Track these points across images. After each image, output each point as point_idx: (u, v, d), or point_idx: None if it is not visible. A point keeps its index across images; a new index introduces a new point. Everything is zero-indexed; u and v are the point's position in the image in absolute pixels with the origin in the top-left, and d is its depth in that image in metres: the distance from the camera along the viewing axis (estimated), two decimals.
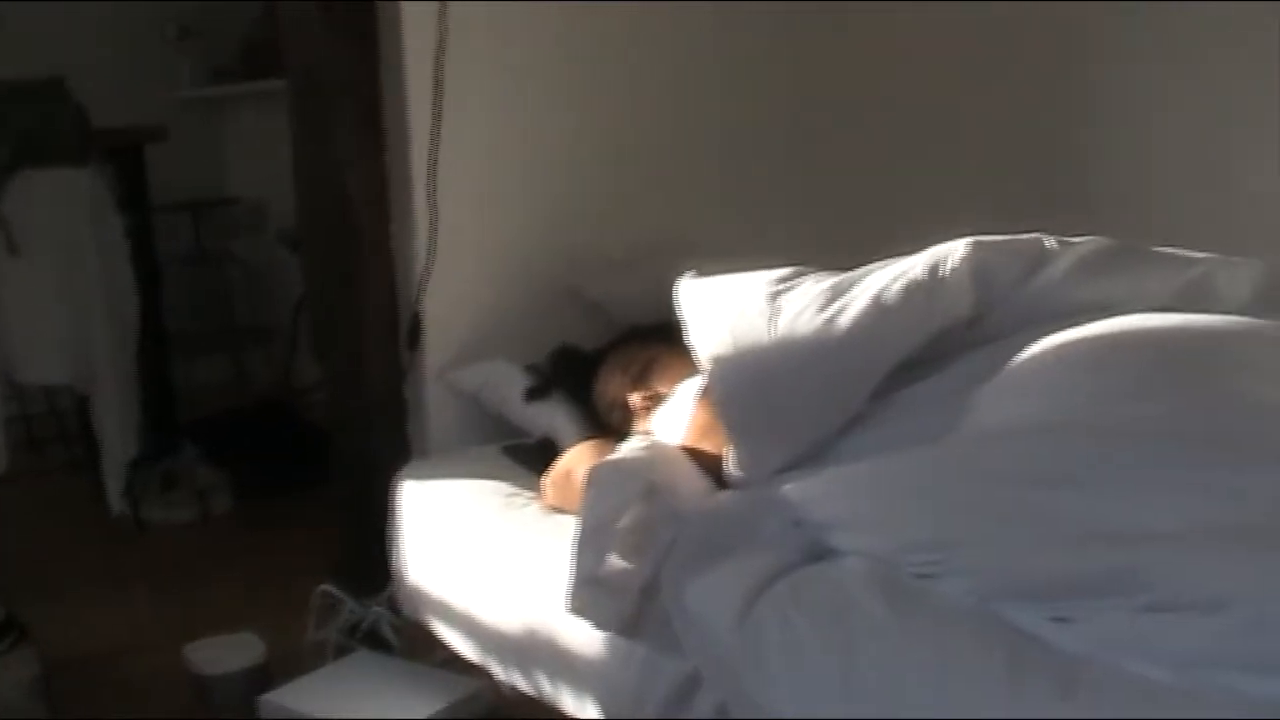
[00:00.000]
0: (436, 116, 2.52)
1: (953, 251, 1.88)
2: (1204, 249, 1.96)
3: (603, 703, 1.83)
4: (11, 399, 4.09)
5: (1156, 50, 2.76)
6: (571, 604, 1.76)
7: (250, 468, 3.89)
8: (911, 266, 1.87)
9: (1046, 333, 1.78)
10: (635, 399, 2.22)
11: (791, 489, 1.72)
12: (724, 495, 1.87)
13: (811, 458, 1.81)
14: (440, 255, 2.56)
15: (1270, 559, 1.32)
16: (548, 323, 2.66)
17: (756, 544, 1.68)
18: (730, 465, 1.87)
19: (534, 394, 2.46)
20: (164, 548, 3.57)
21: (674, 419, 2.05)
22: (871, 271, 1.90)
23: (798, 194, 3.11)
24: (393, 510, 2.43)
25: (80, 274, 3.63)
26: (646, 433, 2.15)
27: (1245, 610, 1.28)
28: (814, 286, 1.89)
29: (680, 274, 2.05)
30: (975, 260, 1.86)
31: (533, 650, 1.98)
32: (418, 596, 2.33)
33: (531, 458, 2.36)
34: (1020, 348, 1.77)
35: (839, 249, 2.08)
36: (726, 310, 1.90)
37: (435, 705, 2.12)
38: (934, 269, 1.85)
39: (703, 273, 2.04)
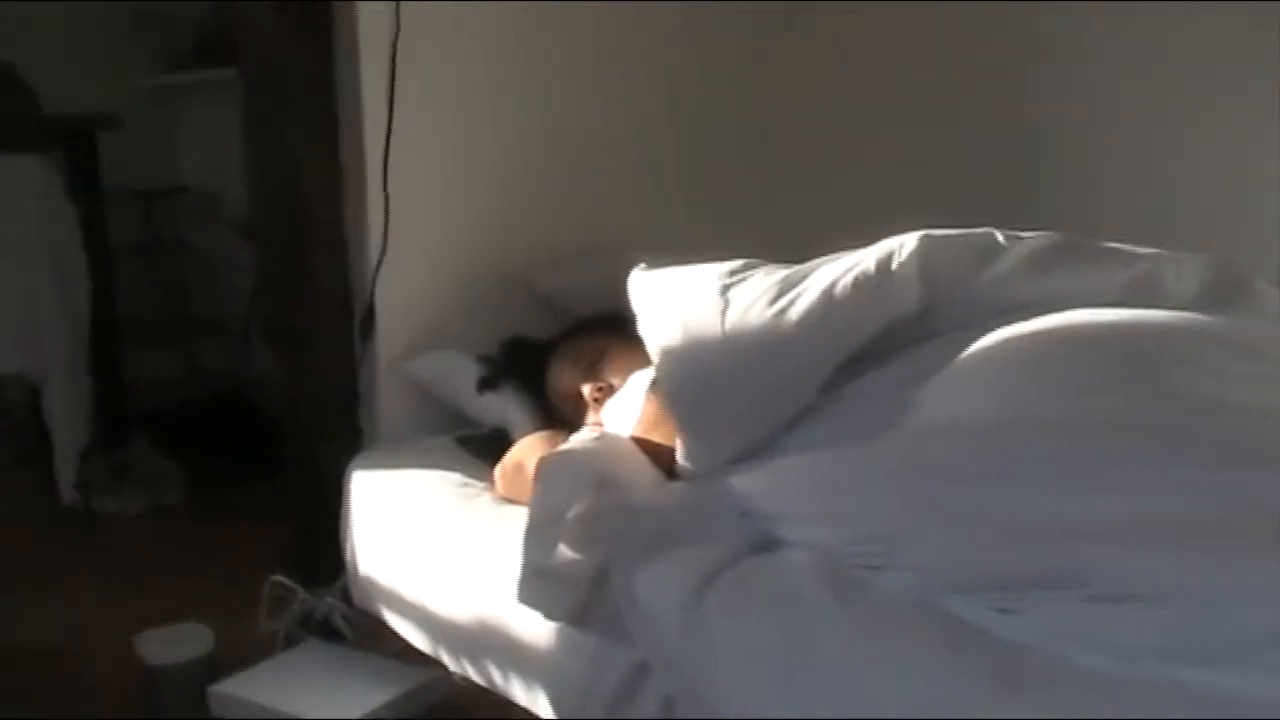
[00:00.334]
0: (390, 110, 2.52)
1: (903, 245, 1.89)
2: (1150, 245, 1.98)
3: (552, 693, 1.83)
4: None
5: (1100, 49, 2.78)
6: (521, 595, 1.76)
7: (203, 459, 3.85)
8: (861, 260, 1.88)
9: (994, 328, 1.80)
10: (587, 390, 2.23)
11: (739, 480, 1.74)
12: (673, 486, 1.88)
13: (761, 449, 1.82)
14: (393, 247, 2.57)
15: (1211, 552, 1.34)
16: (500, 315, 2.67)
17: (705, 535, 1.69)
18: (680, 457, 1.88)
19: (485, 384, 2.46)
20: (115, 539, 3.54)
21: (625, 410, 2.06)
22: (821, 265, 1.91)
23: (750, 191, 3.13)
24: (344, 500, 2.43)
25: (31, 262, 3.59)
26: (598, 424, 2.16)
27: (1186, 602, 1.30)
28: (764, 279, 1.90)
29: (631, 266, 2.06)
30: (924, 254, 1.88)
31: (483, 640, 1.98)
32: (369, 587, 2.33)
33: (483, 448, 2.36)
34: (968, 343, 1.78)
35: (791, 246, 2.09)
36: (677, 302, 1.91)
37: (386, 695, 2.11)
38: (884, 262, 1.87)
39: (654, 265, 2.05)
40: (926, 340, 1.86)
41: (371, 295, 2.57)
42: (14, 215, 3.56)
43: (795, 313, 1.82)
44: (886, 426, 1.74)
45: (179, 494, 3.79)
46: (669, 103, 3.01)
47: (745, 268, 1.95)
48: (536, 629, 1.82)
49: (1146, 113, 2.72)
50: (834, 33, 3.07)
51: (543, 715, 1.87)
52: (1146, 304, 1.88)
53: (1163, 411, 1.59)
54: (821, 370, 1.84)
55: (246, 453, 3.78)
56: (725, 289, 1.89)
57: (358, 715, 2.06)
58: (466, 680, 2.08)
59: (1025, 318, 1.80)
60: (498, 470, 2.16)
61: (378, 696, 2.10)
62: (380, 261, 2.56)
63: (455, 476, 2.27)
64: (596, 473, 1.82)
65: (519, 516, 1.85)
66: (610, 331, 2.30)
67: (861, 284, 1.84)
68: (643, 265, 2.05)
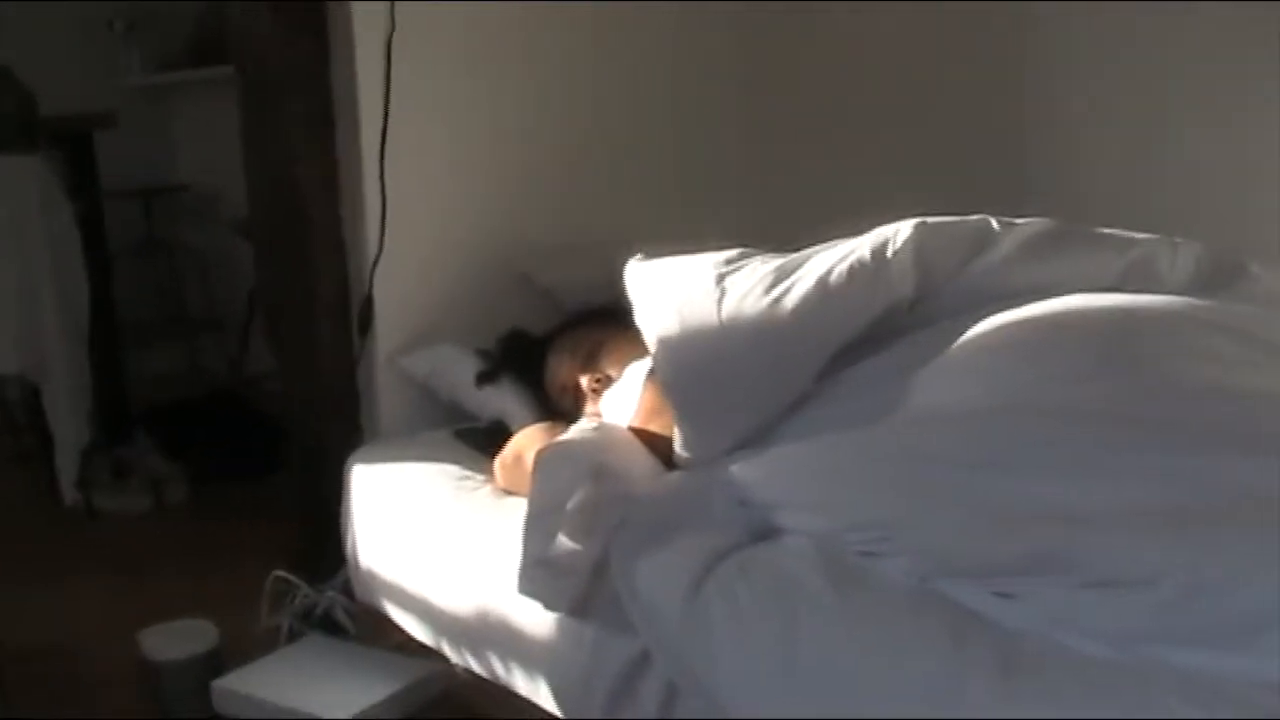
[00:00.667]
0: (386, 107, 2.52)
1: (898, 233, 1.89)
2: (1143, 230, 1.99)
3: (553, 683, 1.84)
4: None
5: (1092, 41, 2.78)
6: (522, 585, 1.77)
7: (203, 457, 3.86)
8: (856, 248, 1.88)
9: (989, 314, 1.80)
10: (585, 381, 2.23)
11: (737, 469, 1.75)
12: (672, 476, 1.89)
13: (758, 438, 1.83)
14: (390, 242, 2.57)
15: (1200, 537, 1.35)
16: (497, 309, 2.67)
17: (704, 524, 1.70)
18: (678, 446, 1.88)
19: (484, 378, 2.47)
20: (117, 537, 3.54)
21: (622, 401, 2.07)
22: (817, 253, 1.91)
23: (746, 186, 3.13)
24: (345, 494, 2.43)
25: (30, 262, 3.59)
26: (596, 415, 2.16)
27: (1175, 587, 1.31)
28: (760, 268, 1.90)
29: (627, 259, 2.07)
30: (919, 241, 1.88)
31: (485, 632, 1.99)
32: (371, 580, 2.34)
33: (482, 441, 2.37)
34: (963, 330, 1.79)
35: (784, 239, 2.09)
36: (673, 292, 1.91)
37: (389, 689, 2.11)
38: (879, 250, 1.87)
39: (650, 255, 2.05)
40: (921, 328, 1.86)
41: (369, 291, 2.58)
42: (13, 216, 3.56)
43: (791, 301, 1.82)
44: (883, 413, 1.74)
45: (180, 492, 3.79)
46: (665, 98, 3.01)
47: (741, 256, 1.96)
48: (537, 620, 1.83)
49: (1142, 106, 2.72)
50: (829, 28, 3.07)
51: (544, 706, 1.88)
52: (1141, 289, 1.89)
53: (1156, 397, 1.59)
54: (818, 358, 1.84)
55: (247, 450, 3.80)
56: (721, 278, 1.89)
57: (360, 709, 2.06)
58: (468, 672, 2.09)
59: (1020, 304, 1.81)
60: (497, 462, 2.17)
61: (380, 690, 2.11)
62: (378, 257, 2.57)
63: (455, 469, 2.28)
64: (595, 463, 1.83)
65: (519, 508, 1.87)
66: (607, 323, 2.30)
67: (857, 272, 1.85)
68: (639, 256, 2.05)
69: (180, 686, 2.30)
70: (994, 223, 1.95)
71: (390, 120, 2.53)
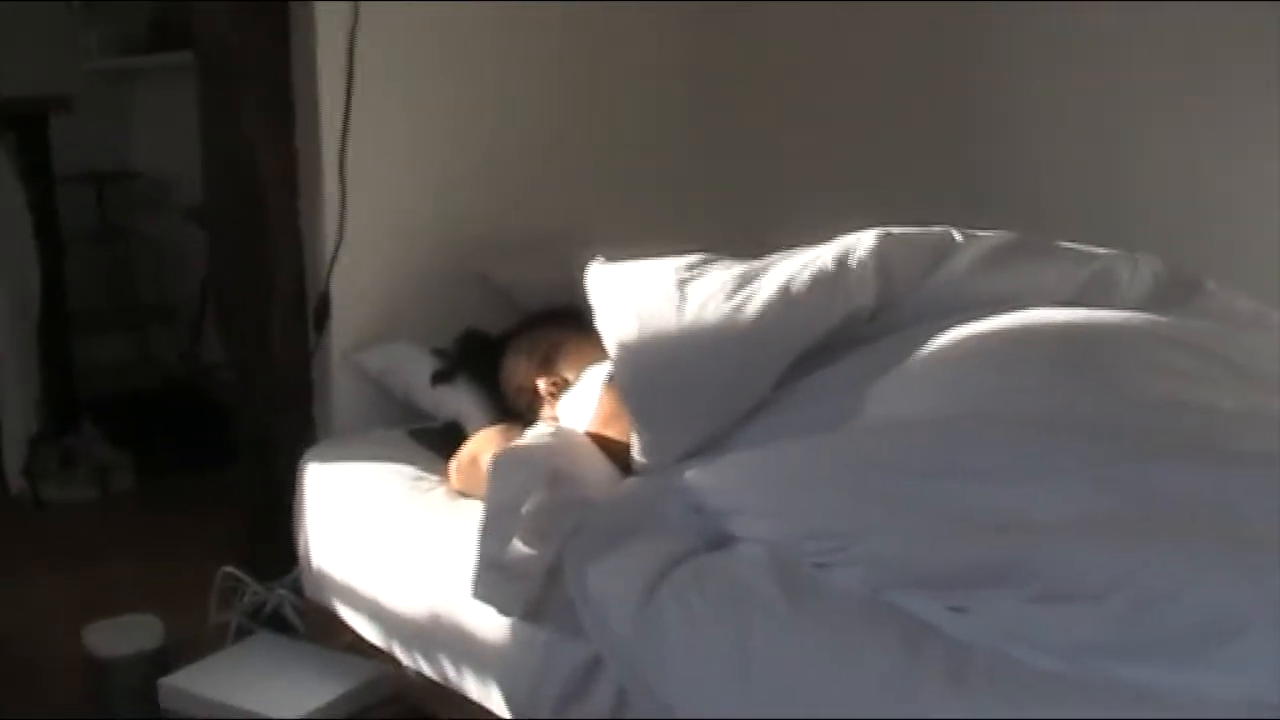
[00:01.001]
0: (348, 99, 2.50)
1: (860, 242, 1.89)
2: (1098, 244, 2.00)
3: (505, 686, 1.83)
4: None
5: (1046, 49, 2.79)
6: (475, 590, 1.76)
7: (152, 447, 3.83)
8: (819, 256, 1.88)
9: (948, 325, 1.80)
10: (541, 384, 2.22)
11: (692, 475, 1.74)
12: (628, 482, 1.88)
13: (714, 444, 1.82)
14: (348, 236, 2.55)
15: (1148, 550, 1.35)
16: (454, 307, 2.66)
17: (659, 530, 1.70)
18: (635, 452, 1.87)
19: (440, 377, 2.45)
20: (62, 527, 3.50)
21: (580, 405, 2.06)
22: (778, 260, 1.91)
23: (706, 184, 3.11)
24: (298, 492, 2.41)
25: None
26: (553, 418, 2.15)
27: (1125, 600, 1.31)
28: (722, 274, 1.90)
29: (586, 259, 2.05)
30: (882, 252, 1.88)
31: (436, 635, 1.98)
32: (322, 580, 2.32)
33: (437, 441, 2.35)
34: (921, 340, 1.79)
35: (747, 239, 2.09)
36: (634, 296, 1.90)
37: (338, 688, 2.10)
38: (842, 259, 1.87)
39: (609, 257, 2.04)
40: (880, 337, 1.87)
41: (326, 285, 2.55)
42: None
43: (752, 308, 1.82)
44: (840, 421, 1.75)
45: (127, 482, 3.75)
46: (626, 96, 3.00)
47: (702, 262, 1.95)
48: (489, 623, 1.82)
49: (1103, 114, 2.73)
50: (794, 28, 3.06)
51: (495, 709, 1.87)
52: (1100, 303, 1.90)
53: (1111, 409, 1.61)
54: (778, 365, 1.84)
55: (196, 442, 3.75)
56: (682, 283, 1.89)
57: (310, 710, 2.05)
58: (419, 675, 2.08)
59: (981, 315, 1.81)
60: (452, 464, 2.16)
61: (330, 690, 2.09)
62: (336, 251, 2.54)
63: (409, 470, 2.26)
64: (551, 467, 1.82)
65: (473, 511, 1.86)
66: (565, 325, 2.30)
67: (819, 280, 1.85)
68: (599, 258, 2.04)
69: (126, 683, 2.28)
70: (956, 234, 1.96)
71: (351, 112, 2.51)
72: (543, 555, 1.73)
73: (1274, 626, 1.22)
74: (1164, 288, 1.97)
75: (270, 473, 2.63)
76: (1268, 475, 1.41)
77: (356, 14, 2.48)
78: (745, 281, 1.86)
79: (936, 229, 1.96)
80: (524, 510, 1.74)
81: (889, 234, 1.92)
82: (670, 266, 1.94)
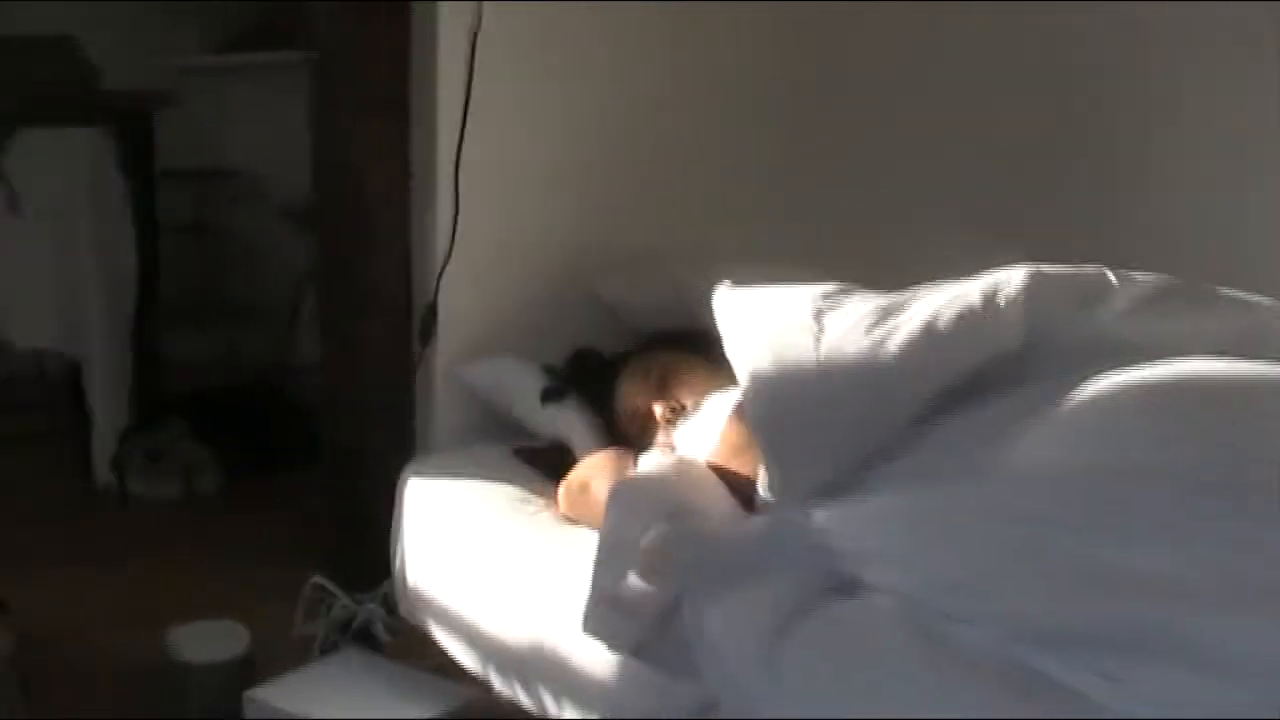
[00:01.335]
0: (465, 109, 2.46)
1: (1010, 280, 1.79)
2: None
3: None
4: None
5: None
6: (586, 624, 1.70)
7: (238, 446, 3.80)
8: (966, 293, 1.78)
9: (1099, 372, 1.70)
10: (659, 409, 2.15)
11: (823, 517, 1.66)
12: (753, 519, 1.80)
13: (843, 485, 1.73)
14: (459, 248, 2.49)
15: None
16: (561, 323, 2.61)
17: (784, 571, 1.62)
18: (762, 487, 1.79)
19: (550, 396, 2.38)
20: (147, 523, 3.49)
21: (703, 434, 1.98)
22: (922, 294, 1.82)
23: (814, 202, 3.04)
24: (395, 506, 2.37)
25: (79, 237, 3.55)
26: (668, 445, 2.08)
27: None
28: (861, 305, 1.81)
29: (699, 280, 1.98)
30: (1032, 291, 1.78)
31: (538, 665, 1.90)
32: (416, 598, 2.26)
33: (542, 462, 2.29)
34: (1073, 386, 1.68)
35: (857, 266, 2.01)
36: (767, 325, 1.83)
37: (431, 711, 2.05)
38: (989, 297, 1.77)
39: (738, 282, 1.97)
40: (1024, 382, 1.77)
41: (434, 297, 2.50)
42: (66, 187, 3.52)
43: (895, 343, 1.73)
44: (982, 469, 1.65)
45: (213, 481, 3.73)
46: (737, 111, 2.93)
47: (839, 292, 1.87)
48: (597, 658, 1.75)
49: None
50: (895, 43, 3.01)
51: None
52: (1254, 355, 1.79)
53: (1270, 471, 1.50)
54: (917, 403, 1.74)
55: (281, 443, 3.73)
56: (819, 313, 1.81)
57: None
58: (513, 704, 2.01)
59: (1132, 362, 1.71)
60: (562, 488, 2.09)
61: (425, 713, 2.04)
62: (445, 263, 2.49)
63: (513, 490, 2.20)
64: (672, 500, 1.76)
65: (582, 538, 1.82)
66: (682, 349, 2.23)
67: (965, 318, 1.75)
68: (727, 282, 1.96)
69: (208, 690, 2.25)
70: (1110, 275, 1.85)
71: (468, 123, 2.46)
72: (660, 592, 1.66)
73: None
74: None
75: (358, 482, 2.59)
76: None
77: (480, 15, 2.43)
78: (887, 315, 1.77)
79: (1090, 268, 1.86)
80: (643, 544, 1.67)
81: (1040, 272, 1.81)
82: (805, 295, 1.86)
